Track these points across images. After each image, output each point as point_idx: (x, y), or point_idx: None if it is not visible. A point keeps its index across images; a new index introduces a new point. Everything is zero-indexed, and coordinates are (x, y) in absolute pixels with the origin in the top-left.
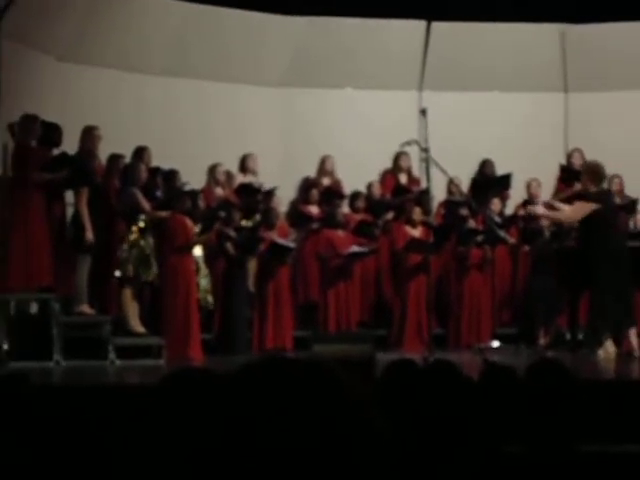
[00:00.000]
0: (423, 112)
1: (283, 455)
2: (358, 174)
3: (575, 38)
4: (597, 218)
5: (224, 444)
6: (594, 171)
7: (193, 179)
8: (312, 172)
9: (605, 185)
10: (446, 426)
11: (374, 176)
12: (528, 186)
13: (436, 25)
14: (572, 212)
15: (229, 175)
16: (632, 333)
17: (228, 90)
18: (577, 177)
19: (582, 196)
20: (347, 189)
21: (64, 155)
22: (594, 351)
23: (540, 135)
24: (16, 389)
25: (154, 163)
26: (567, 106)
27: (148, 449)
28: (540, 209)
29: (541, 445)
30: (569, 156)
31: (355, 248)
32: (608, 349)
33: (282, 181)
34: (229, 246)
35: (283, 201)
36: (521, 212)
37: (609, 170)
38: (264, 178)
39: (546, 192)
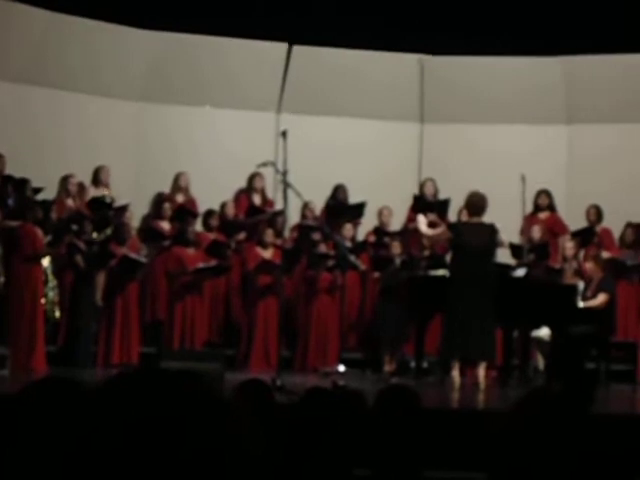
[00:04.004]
0: (284, 134)
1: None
2: (213, 192)
3: (433, 69)
4: (452, 248)
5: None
6: (467, 202)
7: (46, 189)
8: (166, 188)
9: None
10: (298, 446)
11: (229, 195)
12: (380, 214)
13: (297, 49)
14: (436, 233)
15: (81, 187)
16: (481, 366)
17: (82, 101)
18: (429, 207)
19: None
20: (201, 207)
21: None
22: (442, 379)
23: (394, 163)
24: None
25: (9, 171)
26: (422, 136)
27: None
28: (423, 225)
29: (388, 470)
30: (422, 185)
31: (201, 265)
32: (454, 378)
33: (135, 195)
34: (78, 258)
35: (135, 216)
36: (372, 239)
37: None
38: (117, 191)
39: (397, 220)
